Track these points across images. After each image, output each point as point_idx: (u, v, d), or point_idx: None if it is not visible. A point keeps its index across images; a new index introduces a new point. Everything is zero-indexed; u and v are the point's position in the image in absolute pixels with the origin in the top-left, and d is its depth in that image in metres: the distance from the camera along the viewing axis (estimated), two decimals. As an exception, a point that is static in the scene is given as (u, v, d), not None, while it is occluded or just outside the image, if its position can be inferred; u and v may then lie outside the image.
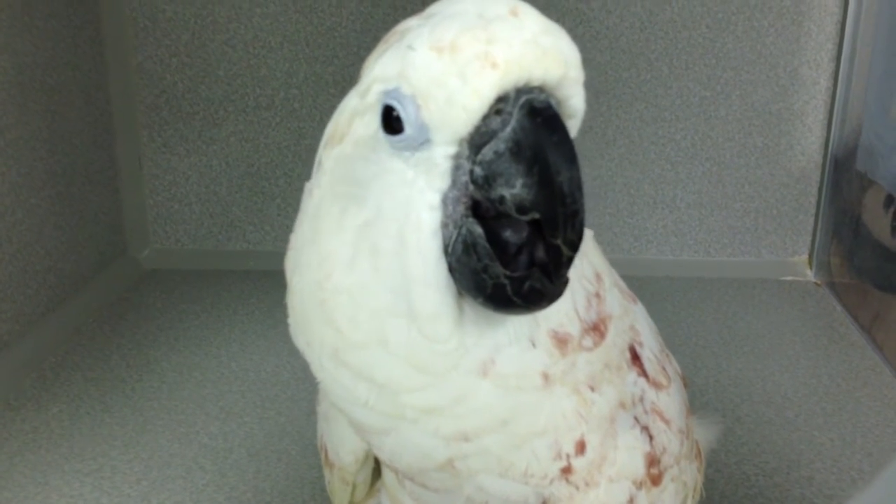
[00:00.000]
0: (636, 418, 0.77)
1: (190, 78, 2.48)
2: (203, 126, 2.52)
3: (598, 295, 0.71)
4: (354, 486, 0.87)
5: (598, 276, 0.73)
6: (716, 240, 2.54)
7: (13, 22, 1.95)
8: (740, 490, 1.53)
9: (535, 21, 0.61)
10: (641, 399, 0.78)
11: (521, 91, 0.60)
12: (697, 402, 1.79)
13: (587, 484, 0.74)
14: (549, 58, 0.60)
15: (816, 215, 2.50)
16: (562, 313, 0.68)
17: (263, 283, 2.45)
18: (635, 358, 0.79)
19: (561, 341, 0.68)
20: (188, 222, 2.61)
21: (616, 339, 0.73)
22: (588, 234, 0.71)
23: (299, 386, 1.88)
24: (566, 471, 0.72)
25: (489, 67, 0.59)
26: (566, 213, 0.59)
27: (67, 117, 2.21)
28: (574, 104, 0.62)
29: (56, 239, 2.15)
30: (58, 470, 1.58)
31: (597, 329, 0.71)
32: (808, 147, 2.47)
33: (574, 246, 0.61)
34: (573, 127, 0.63)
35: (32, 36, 2.03)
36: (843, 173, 2.37)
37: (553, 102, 0.61)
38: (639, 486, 0.76)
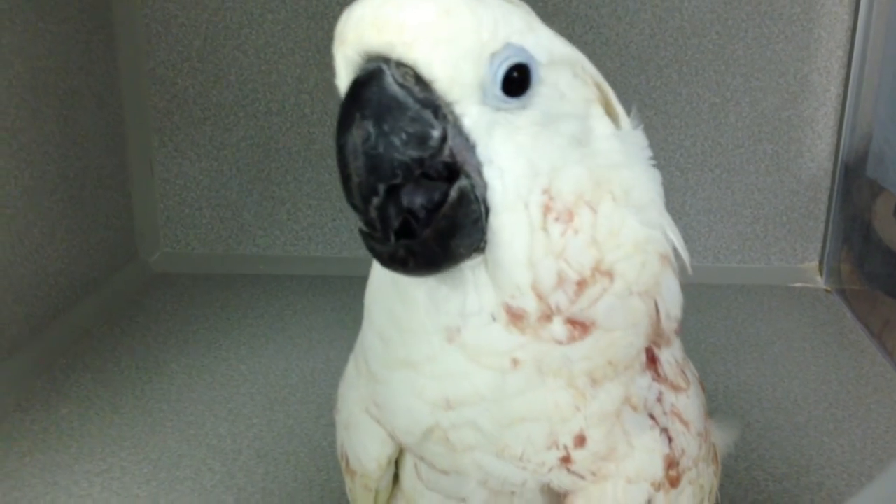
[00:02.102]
0: (655, 419, 0.77)
1: (201, 83, 2.50)
2: (214, 131, 2.54)
3: (581, 283, 0.67)
4: (377, 494, 0.87)
5: (603, 272, 0.68)
6: (725, 246, 2.54)
7: (27, 27, 1.96)
8: (750, 495, 1.52)
9: None
10: (660, 400, 0.77)
11: (365, 63, 0.64)
12: (708, 408, 1.78)
13: (595, 474, 0.73)
14: (376, 27, 0.62)
15: (827, 222, 2.50)
16: (513, 285, 0.66)
17: (273, 286, 2.46)
18: (651, 360, 0.78)
19: (514, 316, 0.67)
20: (199, 226, 2.62)
21: (631, 339, 0.71)
22: (643, 234, 0.69)
23: (308, 389, 1.88)
24: (566, 460, 0.72)
25: (339, 45, 0.65)
26: (342, 176, 0.64)
27: (80, 122, 2.23)
28: (423, 70, 0.63)
29: (67, 242, 2.16)
30: (67, 470, 1.59)
31: (576, 324, 0.68)
32: (818, 153, 2.47)
33: (357, 208, 0.63)
34: (445, 90, 0.63)
35: (46, 41, 2.05)
36: (854, 180, 2.36)
37: (387, 69, 0.63)
38: (657, 487, 0.76)
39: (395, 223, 0.64)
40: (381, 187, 0.63)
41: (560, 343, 0.68)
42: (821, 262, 2.52)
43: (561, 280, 0.66)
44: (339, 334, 2.13)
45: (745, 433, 1.71)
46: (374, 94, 0.62)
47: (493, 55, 0.64)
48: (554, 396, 0.70)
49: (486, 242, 0.66)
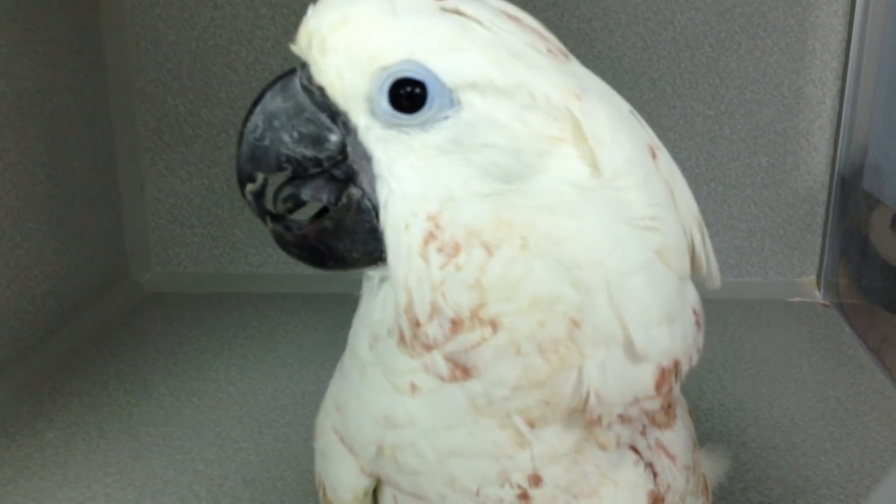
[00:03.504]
0: (639, 453, 0.74)
1: (192, 101, 2.48)
2: (205, 149, 2.52)
3: (457, 323, 0.64)
4: None
5: (483, 319, 0.64)
6: (721, 260, 2.50)
7: (13, 47, 1.95)
8: (745, 518, 1.50)
9: (323, 3, 0.66)
10: (644, 434, 0.75)
11: None
12: (702, 426, 1.75)
13: None
14: (298, 36, 0.66)
15: (824, 235, 2.47)
16: (394, 302, 0.66)
17: (265, 306, 2.44)
18: None
19: (400, 335, 0.67)
20: (190, 245, 2.60)
21: (549, 397, 0.66)
22: (551, 291, 0.64)
23: (297, 411, 1.86)
24: (523, 497, 0.70)
25: None
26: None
27: (69, 141, 2.21)
28: (315, 76, 0.66)
29: (56, 263, 2.14)
30: (51, 497, 1.56)
31: (456, 365, 0.65)
32: (814, 167, 2.44)
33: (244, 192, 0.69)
34: (336, 97, 0.66)
35: (32, 61, 2.03)
36: (850, 193, 2.34)
37: (299, 72, 0.67)
38: None
39: (283, 209, 0.69)
40: (260, 175, 0.68)
41: (442, 379, 0.66)
42: (818, 276, 2.50)
43: (435, 312, 0.64)
44: (330, 354, 2.09)
45: (740, 453, 1.68)
46: (275, 92, 0.67)
47: (384, 68, 0.63)
48: (492, 435, 0.67)
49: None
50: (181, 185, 2.55)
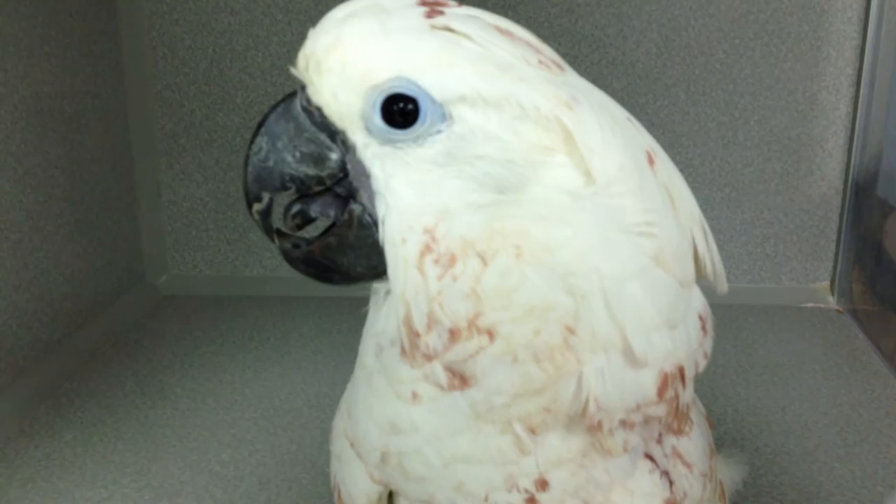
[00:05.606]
0: (655, 461, 0.75)
1: (208, 105, 2.50)
2: (221, 153, 2.54)
3: (454, 333, 0.65)
4: None
5: (480, 328, 0.65)
6: (735, 266, 2.51)
7: (32, 52, 1.97)
8: (758, 523, 1.50)
9: (325, 22, 0.67)
10: (660, 442, 0.75)
11: None
12: (715, 432, 1.75)
13: None
14: (298, 59, 0.68)
15: (838, 241, 2.47)
16: (394, 314, 0.68)
17: (279, 308, 2.45)
18: None
19: (402, 346, 0.68)
20: (206, 248, 2.62)
21: (549, 405, 0.67)
22: (546, 299, 0.64)
23: (312, 413, 1.87)
24: (531, 501, 0.71)
25: None
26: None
27: (87, 145, 2.23)
28: (312, 97, 0.67)
29: (74, 265, 2.16)
30: (68, 498, 1.58)
31: (455, 374, 0.66)
32: (828, 172, 2.44)
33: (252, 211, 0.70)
34: (333, 117, 0.67)
35: (51, 65, 2.05)
36: (864, 199, 2.34)
37: (299, 93, 0.68)
38: None
39: (292, 225, 0.71)
40: (266, 195, 0.69)
41: (442, 388, 0.67)
42: (832, 282, 2.49)
43: (432, 323, 0.65)
44: (344, 357, 2.11)
45: (753, 458, 1.68)
46: (277, 114, 0.69)
47: (375, 86, 0.64)
48: (495, 441, 0.69)
49: None
50: (197, 188, 2.57)
